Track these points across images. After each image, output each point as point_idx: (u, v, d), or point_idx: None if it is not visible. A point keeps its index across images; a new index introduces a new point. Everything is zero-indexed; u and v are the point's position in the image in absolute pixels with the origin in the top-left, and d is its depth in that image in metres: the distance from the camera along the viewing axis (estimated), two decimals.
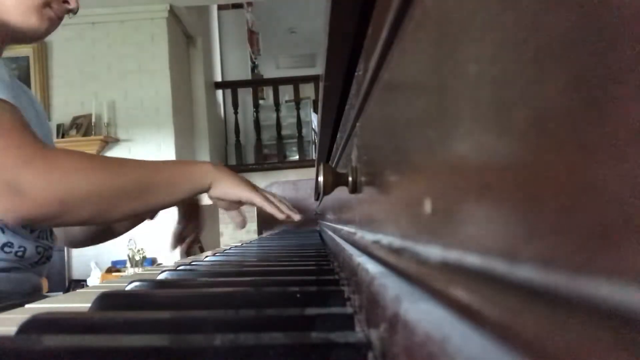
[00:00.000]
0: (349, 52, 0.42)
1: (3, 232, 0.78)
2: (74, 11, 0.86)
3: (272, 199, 0.93)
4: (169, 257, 3.38)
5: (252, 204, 0.92)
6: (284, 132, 4.74)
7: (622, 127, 0.07)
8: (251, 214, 1.07)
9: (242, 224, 0.97)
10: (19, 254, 0.80)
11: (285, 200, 0.97)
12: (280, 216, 0.94)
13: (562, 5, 0.09)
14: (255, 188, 0.92)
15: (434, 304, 0.16)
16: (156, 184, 0.81)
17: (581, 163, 0.08)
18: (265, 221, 1.34)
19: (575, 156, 0.09)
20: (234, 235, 3.75)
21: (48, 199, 0.70)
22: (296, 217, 0.96)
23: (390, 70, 0.26)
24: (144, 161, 0.84)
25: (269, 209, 0.91)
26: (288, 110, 5.05)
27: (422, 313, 0.15)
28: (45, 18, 0.82)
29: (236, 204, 0.93)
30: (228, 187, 0.87)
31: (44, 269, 0.87)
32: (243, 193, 0.89)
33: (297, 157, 4.77)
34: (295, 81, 4.77)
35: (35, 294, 0.84)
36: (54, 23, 0.84)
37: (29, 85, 3.34)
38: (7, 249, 0.78)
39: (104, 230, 1.03)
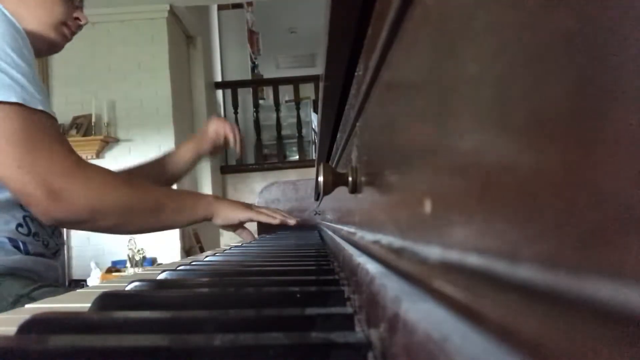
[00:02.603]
0: (349, 52, 0.42)
1: (32, 222, 0.88)
2: (83, 25, 1.00)
3: (266, 212, 1.14)
4: (169, 257, 3.37)
5: (252, 221, 1.11)
6: (284, 132, 4.73)
7: (622, 127, 0.07)
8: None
9: (252, 238, 1.16)
10: (45, 243, 0.91)
11: (279, 210, 1.20)
12: (274, 222, 1.13)
13: (562, 5, 0.09)
14: (250, 207, 1.12)
15: (434, 304, 0.16)
16: (169, 206, 0.96)
17: (581, 163, 0.08)
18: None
19: (574, 156, 0.09)
20: (234, 236, 3.75)
21: (82, 206, 0.82)
22: (291, 221, 1.15)
23: (390, 70, 0.26)
24: (160, 187, 1.02)
25: (264, 219, 1.12)
26: (288, 110, 5.04)
27: (422, 313, 0.15)
28: (62, 34, 0.96)
29: (240, 225, 1.11)
30: (228, 213, 1.06)
31: (60, 264, 0.97)
32: (241, 214, 1.08)
33: (297, 157, 4.76)
34: (295, 81, 4.76)
35: (61, 284, 0.94)
36: (69, 38, 0.99)
37: None
38: (37, 238, 0.89)
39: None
